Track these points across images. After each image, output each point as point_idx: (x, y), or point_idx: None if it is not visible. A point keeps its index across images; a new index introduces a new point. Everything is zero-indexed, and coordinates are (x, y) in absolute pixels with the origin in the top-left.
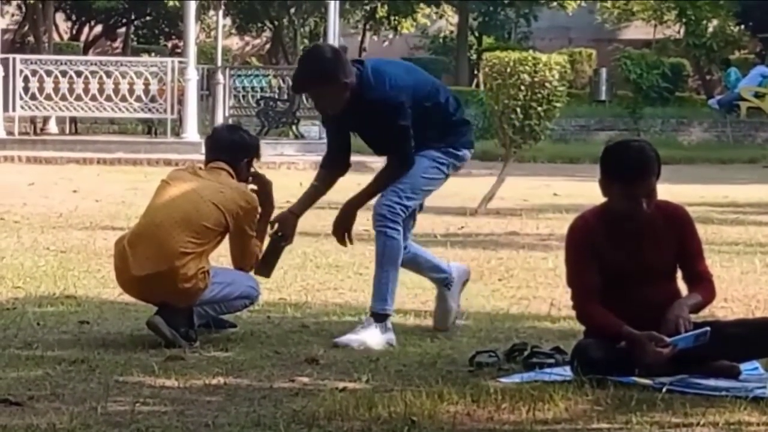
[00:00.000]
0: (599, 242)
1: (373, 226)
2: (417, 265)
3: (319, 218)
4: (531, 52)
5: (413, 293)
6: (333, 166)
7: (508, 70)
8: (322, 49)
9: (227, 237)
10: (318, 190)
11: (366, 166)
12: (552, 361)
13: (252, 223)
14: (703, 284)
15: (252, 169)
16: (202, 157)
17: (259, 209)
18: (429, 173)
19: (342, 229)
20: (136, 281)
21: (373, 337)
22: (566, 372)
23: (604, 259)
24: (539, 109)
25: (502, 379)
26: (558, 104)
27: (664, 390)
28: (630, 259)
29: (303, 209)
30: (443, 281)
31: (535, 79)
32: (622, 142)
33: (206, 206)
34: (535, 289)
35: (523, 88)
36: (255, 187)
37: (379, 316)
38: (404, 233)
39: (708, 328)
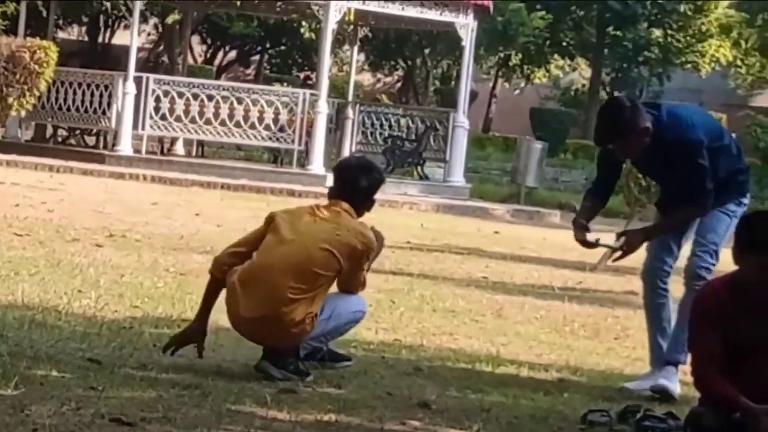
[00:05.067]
0: (725, 311)
1: (688, 283)
2: (659, 318)
3: (437, 261)
4: None
5: (527, 345)
6: (597, 197)
7: None
8: (620, 101)
9: None
10: (591, 208)
11: (488, 213)
12: (664, 426)
13: (366, 260)
14: None
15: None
16: (326, 191)
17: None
18: (730, 230)
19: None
20: (244, 321)
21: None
22: None
23: (729, 328)
24: None
25: None
26: None
27: None
28: (755, 330)
29: (589, 218)
30: (659, 359)
31: None
32: (760, 212)
33: (320, 253)
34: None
35: None
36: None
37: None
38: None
39: None
